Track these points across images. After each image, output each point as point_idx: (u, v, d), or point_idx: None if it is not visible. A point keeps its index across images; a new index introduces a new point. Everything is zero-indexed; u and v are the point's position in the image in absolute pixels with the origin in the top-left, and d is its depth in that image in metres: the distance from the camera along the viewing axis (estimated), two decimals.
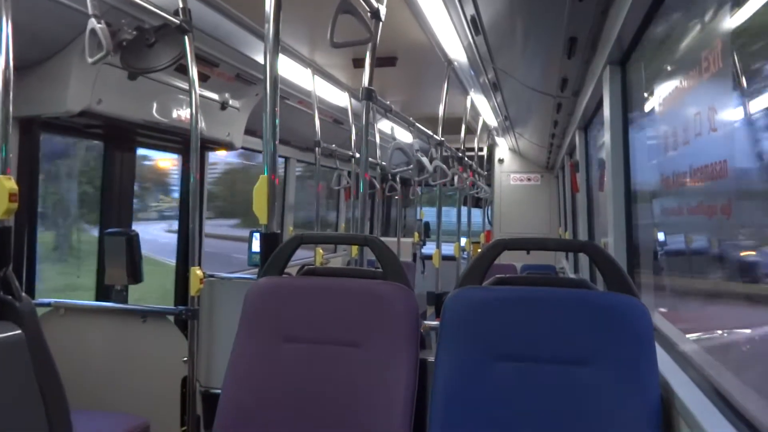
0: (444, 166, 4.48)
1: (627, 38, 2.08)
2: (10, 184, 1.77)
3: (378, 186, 6.78)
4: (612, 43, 2.13)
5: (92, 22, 2.02)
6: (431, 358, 1.59)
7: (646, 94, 2.07)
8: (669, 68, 1.71)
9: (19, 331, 1.71)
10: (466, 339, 1.45)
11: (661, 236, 2.08)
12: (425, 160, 4.26)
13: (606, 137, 2.48)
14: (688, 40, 1.50)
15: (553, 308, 1.42)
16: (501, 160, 8.40)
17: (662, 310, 2.05)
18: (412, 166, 4.66)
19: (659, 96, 1.81)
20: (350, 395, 1.51)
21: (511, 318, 1.44)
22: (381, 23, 2.43)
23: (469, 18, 2.74)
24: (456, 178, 5.47)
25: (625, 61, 2.29)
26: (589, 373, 1.35)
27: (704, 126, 1.32)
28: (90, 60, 2.04)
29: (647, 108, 2.06)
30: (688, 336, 1.66)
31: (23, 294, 1.79)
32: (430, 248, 6.34)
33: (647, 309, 1.38)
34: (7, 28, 1.81)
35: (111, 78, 2.71)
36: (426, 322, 2.07)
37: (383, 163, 5.43)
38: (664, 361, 1.52)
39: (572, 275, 5.56)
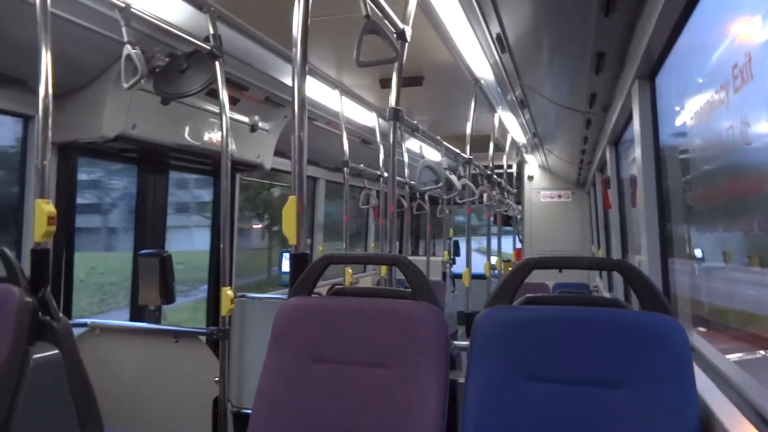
0: (471, 185, 4.45)
1: (655, 52, 2.05)
2: (49, 207, 1.83)
3: (406, 205, 6.78)
4: (640, 57, 2.11)
5: (128, 48, 2.09)
6: (461, 379, 1.56)
7: (677, 108, 2.04)
8: (700, 81, 1.68)
9: (56, 351, 1.75)
10: (497, 359, 1.42)
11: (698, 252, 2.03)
12: (454, 178, 4.25)
13: (637, 152, 2.45)
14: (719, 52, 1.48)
15: (585, 328, 1.39)
16: (531, 178, 8.32)
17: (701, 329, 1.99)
18: (441, 184, 4.65)
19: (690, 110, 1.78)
20: (379, 417, 1.50)
21: (542, 338, 1.41)
22: (407, 44, 2.45)
23: (494, 36, 2.74)
24: (485, 196, 5.44)
25: (654, 75, 2.26)
26: (623, 395, 1.31)
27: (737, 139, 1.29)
28: (125, 85, 2.11)
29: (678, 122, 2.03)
30: (728, 357, 1.60)
31: (61, 314, 1.84)
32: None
33: (684, 328, 1.34)
34: (47, 58, 1.89)
35: (144, 103, 2.79)
36: (456, 342, 2.04)
37: (411, 182, 5.42)
38: (704, 383, 1.47)
39: (606, 294, 5.45)
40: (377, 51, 2.18)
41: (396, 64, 2.45)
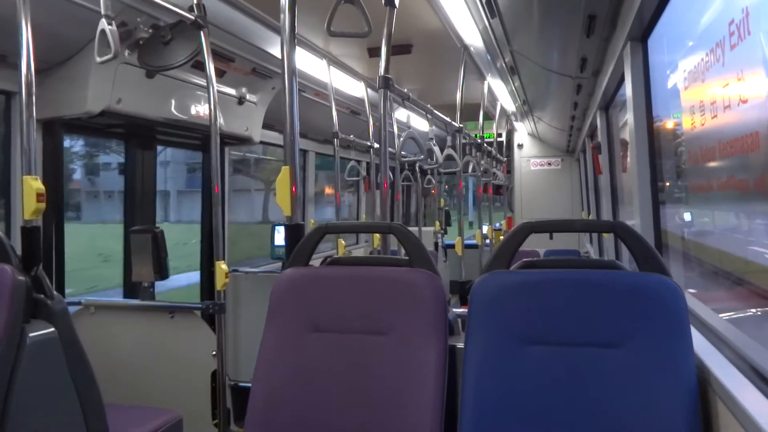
0: (455, 154, 4.44)
1: (648, 12, 2.03)
2: (37, 184, 1.79)
3: (392, 177, 6.75)
4: (632, 18, 2.08)
5: (103, 23, 2.01)
6: (460, 344, 1.58)
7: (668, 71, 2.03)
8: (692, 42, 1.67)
9: (52, 329, 1.74)
10: (496, 323, 1.43)
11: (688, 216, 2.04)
12: (436, 149, 4.23)
13: (629, 116, 2.44)
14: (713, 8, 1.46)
15: (584, 290, 1.40)
16: (520, 146, 8.32)
17: (692, 291, 2.02)
18: (422, 156, 4.64)
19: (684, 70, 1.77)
20: (380, 384, 1.51)
21: (541, 301, 1.42)
22: (395, 10, 2.40)
23: (484, 0, 2.70)
24: (471, 165, 5.42)
25: (647, 36, 2.24)
26: (621, 354, 1.33)
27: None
28: (98, 60, 2.05)
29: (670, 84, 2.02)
30: (721, 315, 1.62)
31: (55, 292, 1.82)
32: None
33: (680, 288, 1.35)
34: (27, 32, 1.83)
35: (129, 77, 2.73)
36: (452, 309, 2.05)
37: (402, 152, 5.40)
38: (699, 341, 1.49)
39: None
40: (361, 20, 2.13)
41: (385, 32, 2.41)
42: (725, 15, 1.32)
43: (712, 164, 1.57)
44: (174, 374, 2.67)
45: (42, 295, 1.77)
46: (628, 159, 3.01)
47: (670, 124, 2.15)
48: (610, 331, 1.35)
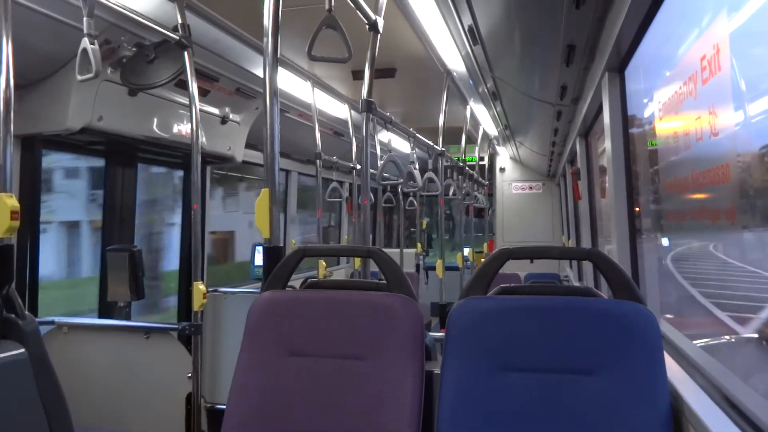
0: (436, 178, 4.47)
1: (625, 45, 2.08)
2: (12, 201, 1.77)
3: (373, 199, 6.79)
4: (610, 49, 2.13)
5: (85, 41, 2.01)
6: (437, 370, 1.57)
7: (645, 100, 2.07)
8: (668, 74, 1.71)
9: (22, 350, 1.70)
10: (473, 349, 1.43)
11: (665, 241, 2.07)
12: (416, 172, 4.26)
13: (607, 144, 2.48)
14: (687, 43, 1.50)
15: (559, 317, 1.41)
16: (502, 169, 8.40)
17: (668, 316, 2.04)
18: (402, 179, 4.68)
19: (658, 101, 1.81)
20: (356, 409, 1.50)
21: (517, 327, 1.43)
22: (379, 35, 2.44)
23: (467, 28, 2.75)
24: (452, 188, 5.46)
25: (624, 67, 2.29)
26: (597, 382, 1.34)
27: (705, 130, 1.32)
28: (79, 78, 2.04)
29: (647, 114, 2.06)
30: (695, 342, 1.64)
31: (26, 312, 1.78)
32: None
33: (654, 316, 1.36)
34: (8, 47, 1.82)
35: (111, 95, 2.72)
36: (431, 333, 2.05)
37: (384, 174, 5.43)
38: (672, 369, 1.51)
39: (576, 284, 5.54)
40: (342, 45, 2.15)
41: (368, 56, 2.44)
42: (698, 50, 1.36)
43: (686, 193, 1.60)
44: (148, 397, 2.62)
45: (13, 315, 1.73)
46: (606, 185, 3.06)
47: (646, 153, 2.19)
48: (586, 358, 1.36)
